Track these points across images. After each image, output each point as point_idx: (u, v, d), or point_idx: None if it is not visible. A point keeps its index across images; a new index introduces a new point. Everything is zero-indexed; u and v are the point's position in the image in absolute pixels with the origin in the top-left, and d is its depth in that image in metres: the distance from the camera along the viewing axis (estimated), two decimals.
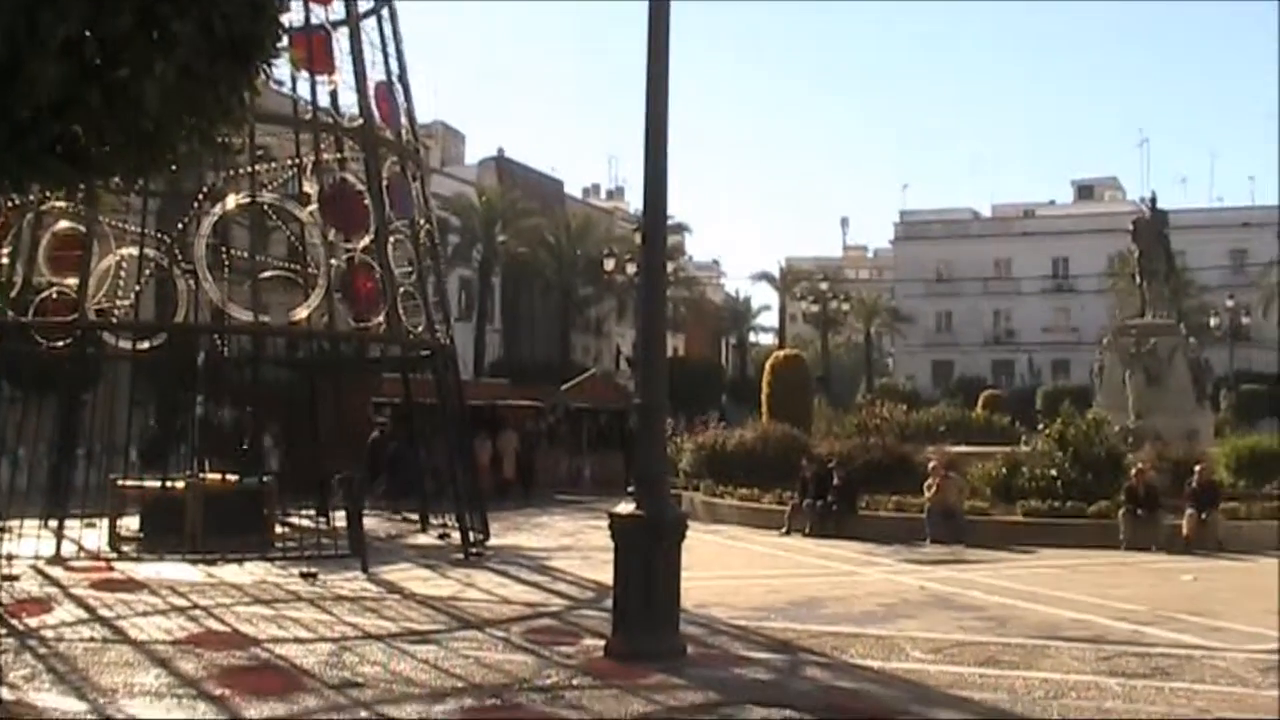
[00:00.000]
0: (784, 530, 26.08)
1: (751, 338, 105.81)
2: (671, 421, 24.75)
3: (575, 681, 10.92)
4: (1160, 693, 10.64)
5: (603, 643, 12.22)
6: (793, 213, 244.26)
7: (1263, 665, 12.01)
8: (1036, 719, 9.60)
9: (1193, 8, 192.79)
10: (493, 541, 22.80)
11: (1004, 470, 27.33)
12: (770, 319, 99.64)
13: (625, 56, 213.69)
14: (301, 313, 21.31)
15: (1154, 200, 43.40)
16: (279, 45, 7.26)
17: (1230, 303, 73.66)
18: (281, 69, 20.53)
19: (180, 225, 22.71)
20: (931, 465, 26.19)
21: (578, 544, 23.58)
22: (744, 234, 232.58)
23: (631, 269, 47.65)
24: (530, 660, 12.03)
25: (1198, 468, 25.11)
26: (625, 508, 12.16)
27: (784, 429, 33.20)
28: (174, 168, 7.96)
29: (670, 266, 16.20)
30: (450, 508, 23.15)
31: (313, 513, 24.05)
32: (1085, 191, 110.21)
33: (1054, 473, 26.53)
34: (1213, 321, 71.14)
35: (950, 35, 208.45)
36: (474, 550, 21.64)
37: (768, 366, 41.75)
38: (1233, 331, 72.91)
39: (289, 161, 22.13)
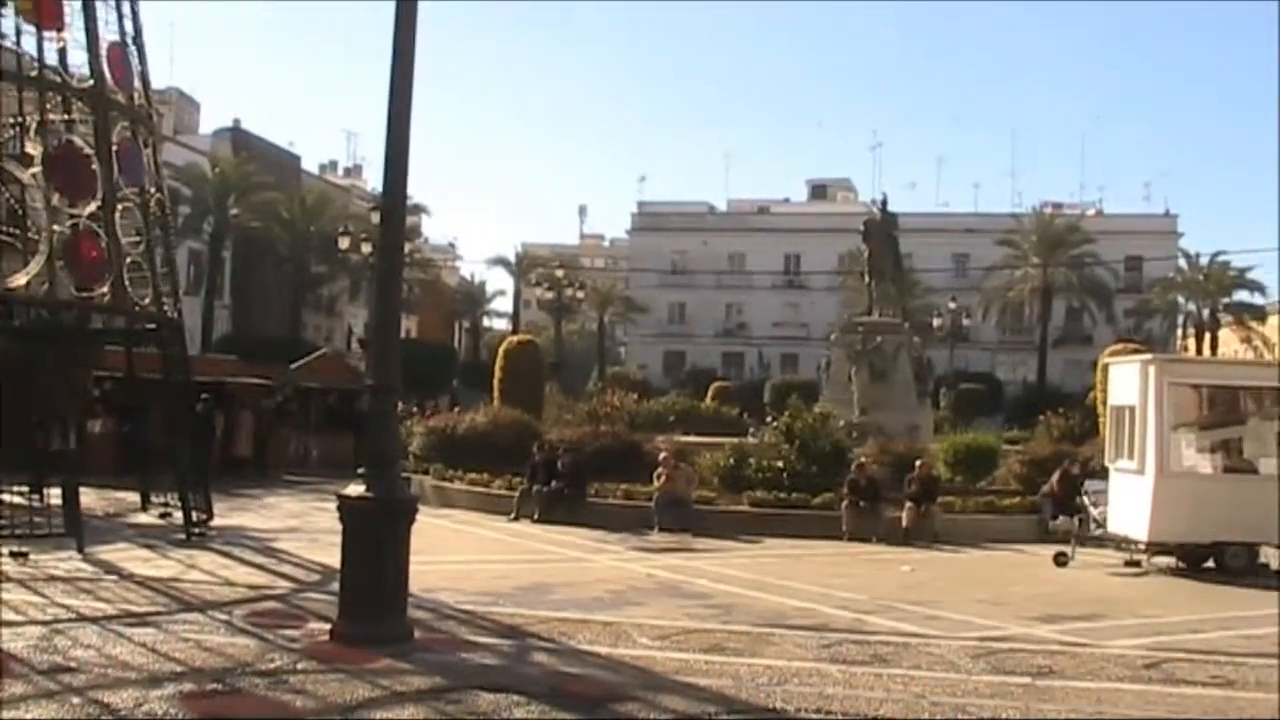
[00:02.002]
0: (513, 516, 26.01)
1: (486, 322, 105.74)
2: (403, 404, 24.39)
3: (300, 666, 10.68)
4: (879, 679, 10.92)
5: (328, 626, 11.99)
6: (531, 199, 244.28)
7: (974, 652, 12.44)
8: (760, 705, 9.72)
9: (926, 11, 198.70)
10: (217, 522, 22.18)
11: (732, 461, 27.76)
12: (505, 304, 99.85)
13: (366, 31, 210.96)
14: (20, 279, 20.35)
15: (885, 202, 44.61)
16: None
17: (952, 305, 76.20)
18: (6, 21, 19.70)
19: None
20: (661, 455, 26.47)
21: (304, 525, 23.15)
22: (481, 218, 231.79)
23: (367, 248, 46.95)
24: (253, 644, 11.72)
25: (918, 462, 25.93)
26: (355, 489, 11.95)
27: (516, 414, 33.11)
28: None
29: (406, 247, 15.92)
30: (173, 486, 22.46)
31: (25, 490, 23.03)
32: (819, 191, 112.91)
33: (781, 464, 27.08)
34: (935, 322, 73.46)
35: (691, 29, 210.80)
36: (197, 530, 21.04)
37: (501, 351, 41.59)
38: (954, 332, 75.44)
39: (11, 120, 21.13)
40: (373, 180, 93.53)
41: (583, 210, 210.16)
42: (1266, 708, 10.31)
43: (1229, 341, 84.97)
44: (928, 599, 16.60)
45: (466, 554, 20.39)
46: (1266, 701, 10.55)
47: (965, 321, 79.83)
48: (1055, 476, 24.48)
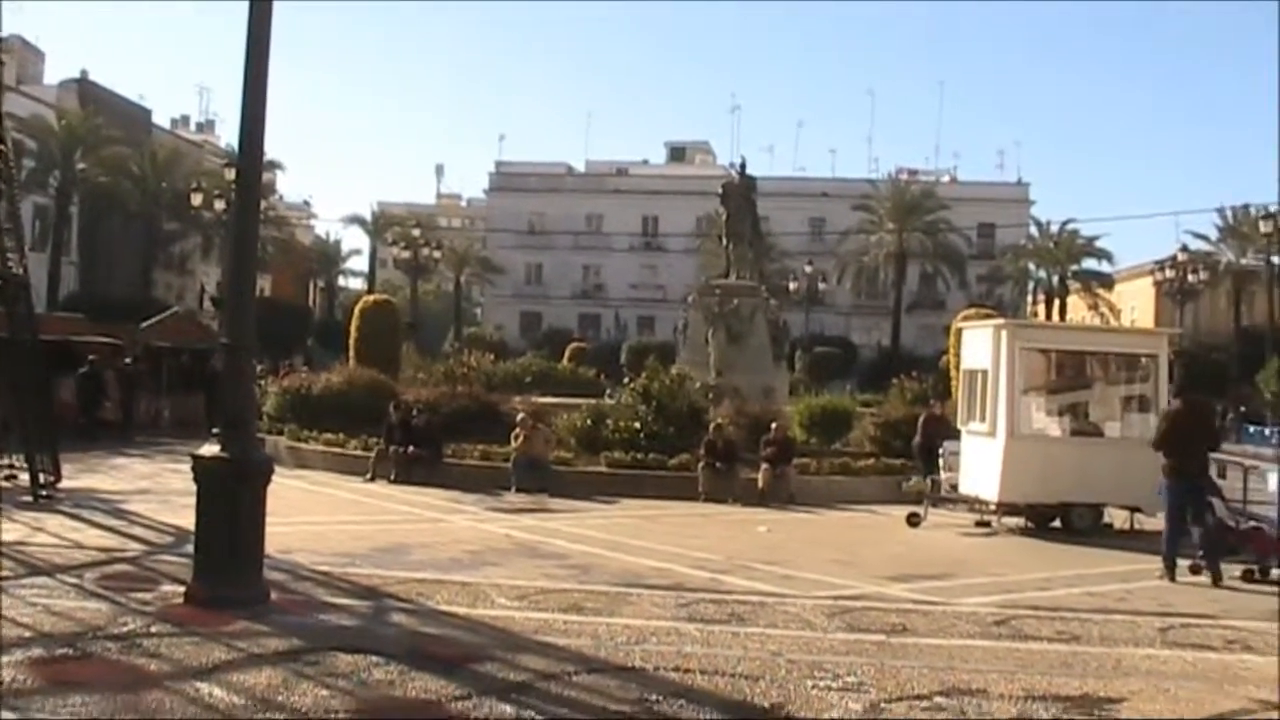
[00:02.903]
0: (369, 477, 25.81)
1: (341, 282, 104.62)
2: (257, 363, 24.02)
3: (153, 629, 10.49)
4: (736, 637, 11.02)
5: (182, 589, 11.79)
6: (388, 158, 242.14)
7: (829, 611, 12.59)
8: (619, 664, 9.76)
9: None
10: (65, 484, 21.65)
11: (589, 422, 27.83)
12: (361, 263, 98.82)
13: None
14: None
15: (743, 166, 44.69)
16: None
17: (808, 268, 76.97)
18: None
19: None
20: (518, 415, 26.45)
21: (156, 487, 22.73)
22: (337, 176, 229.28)
23: (220, 205, 46.23)
24: (105, 607, 11.48)
25: (773, 425, 26.16)
26: (209, 449, 11.75)
27: (371, 374, 32.86)
28: None
29: (261, 204, 15.60)
30: (18, 447, 21.89)
31: None
32: (678, 153, 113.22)
33: (637, 425, 27.20)
34: (792, 285, 74.15)
35: None
36: (44, 493, 20.55)
37: (356, 311, 41.20)
38: (809, 296, 76.19)
39: None
40: (226, 136, 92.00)
41: (440, 170, 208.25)
42: (1110, 661, 10.58)
43: (1077, 308, 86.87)
44: (783, 559, 16.78)
45: (322, 515, 20.17)
46: (1109, 655, 10.83)
47: (821, 285, 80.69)
48: (921, 420, 25.03)
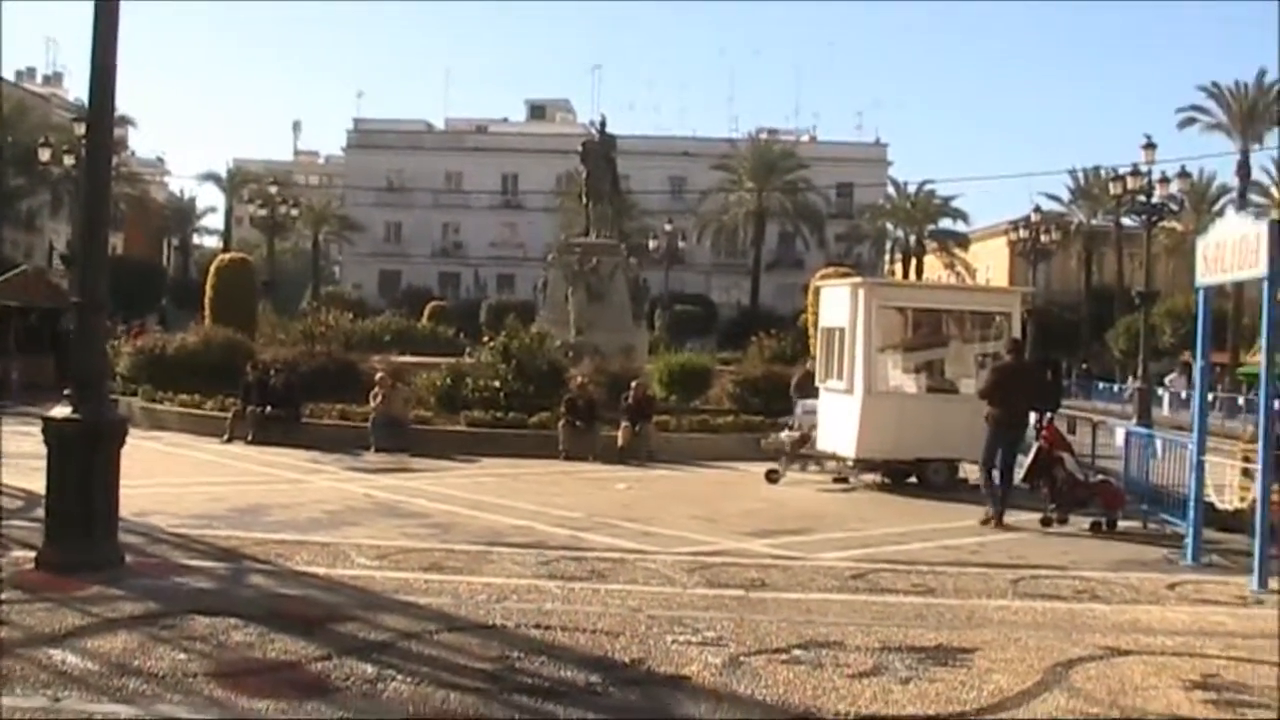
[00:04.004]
0: (226, 437, 25.47)
1: (196, 240, 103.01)
2: (110, 323, 23.57)
3: (3, 596, 10.26)
4: (597, 594, 11.06)
5: (34, 554, 11.55)
6: (244, 114, 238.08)
7: (688, 566, 12.69)
8: (480, 621, 9.76)
9: None
10: None
11: (449, 381, 27.73)
12: (216, 221, 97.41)
13: None
14: None
15: (603, 124, 44.71)
16: None
17: (668, 227, 77.29)
18: None
19: None
20: (377, 375, 26.28)
21: (5, 450, 22.19)
22: (191, 133, 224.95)
23: (70, 161, 45.09)
24: None
25: (634, 382, 26.26)
26: (60, 411, 11.50)
27: (227, 334, 32.42)
28: None
29: (113, 161, 15.30)
30: None
31: None
32: (538, 111, 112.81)
33: (497, 384, 27.19)
34: (652, 244, 74.41)
35: None
36: None
37: (212, 270, 40.64)
38: (669, 254, 76.53)
39: None
40: (75, 90, 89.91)
41: (297, 126, 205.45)
42: (963, 612, 10.81)
43: (934, 267, 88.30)
44: (643, 516, 16.90)
45: (179, 477, 19.87)
46: (963, 606, 11.06)
47: (681, 244, 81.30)
48: (796, 379, 25.36)
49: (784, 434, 22.71)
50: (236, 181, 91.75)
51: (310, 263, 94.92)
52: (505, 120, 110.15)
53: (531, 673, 8.36)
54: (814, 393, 23.38)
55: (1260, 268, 12.77)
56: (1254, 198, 69.54)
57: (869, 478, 21.85)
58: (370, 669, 8.21)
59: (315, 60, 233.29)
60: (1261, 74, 67.37)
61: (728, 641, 9.33)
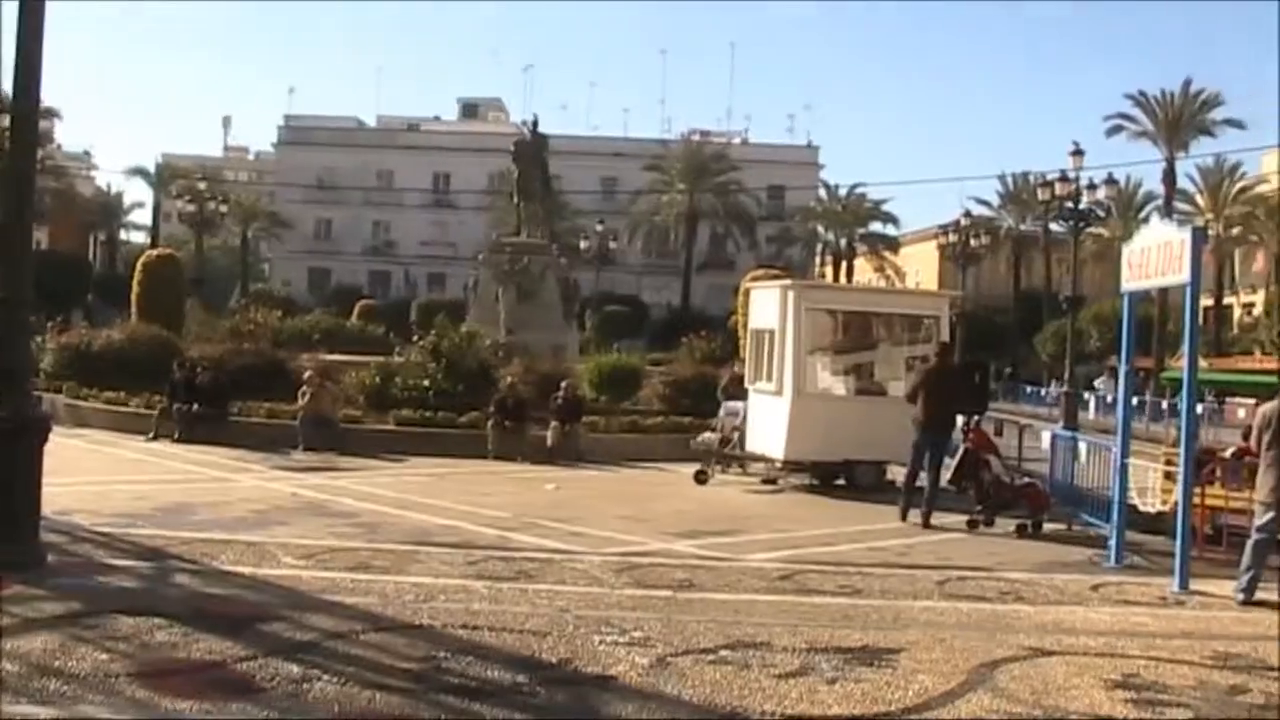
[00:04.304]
0: (152, 435, 25.21)
1: (123, 235, 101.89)
2: (34, 318, 23.20)
3: None
4: (524, 594, 11.05)
5: None
6: (173, 109, 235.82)
7: (617, 567, 12.70)
8: (407, 621, 9.72)
9: None
10: None
11: (378, 379, 27.64)
12: (144, 216, 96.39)
13: None
14: None
15: (535, 123, 44.79)
16: None
17: (600, 227, 77.34)
18: None
19: None
20: (306, 373, 26.14)
21: None
22: (120, 127, 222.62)
23: None
24: None
25: (563, 382, 26.25)
26: None
27: (154, 331, 32.15)
28: None
29: (38, 153, 15.03)
30: None
31: None
32: (470, 110, 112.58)
33: (427, 383, 27.10)
34: (583, 244, 74.42)
35: None
36: None
37: (139, 265, 40.27)
38: (601, 255, 76.55)
39: None
40: None
41: (227, 121, 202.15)
42: (890, 613, 10.87)
43: (864, 270, 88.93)
44: (572, 516, 16.90)
45: (103, 475, 19.66)
46: (889, 607, 11.13)
47: (612, 244, 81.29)
48: (723, 381, 25.55)
49: (706, 435, 22.79)
50: (165, 177, 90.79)
51: (239, 259, 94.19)
52: (438, 119, 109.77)
53: (458, 673, 8.34)
54: (741, 394, 23.46)
55: (1183, 274, 12.96)
56: (1180, 205, 70.46)
57: (797, 479, 21.93)
58: (296, 669, 8.16)
59: (246, 55, 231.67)
60: (1187, 83, 68.27)
61: (655, 642, 9.34)
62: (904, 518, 17.43)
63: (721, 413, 23.46)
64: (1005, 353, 75.09)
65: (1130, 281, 14.65)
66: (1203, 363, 54.36)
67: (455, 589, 11.19)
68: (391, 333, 44.29)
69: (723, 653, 9.10)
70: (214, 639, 8.85)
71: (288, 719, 7.25)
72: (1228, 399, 41.63)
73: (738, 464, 22.46)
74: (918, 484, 17.69)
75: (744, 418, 22.65)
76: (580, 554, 13.65)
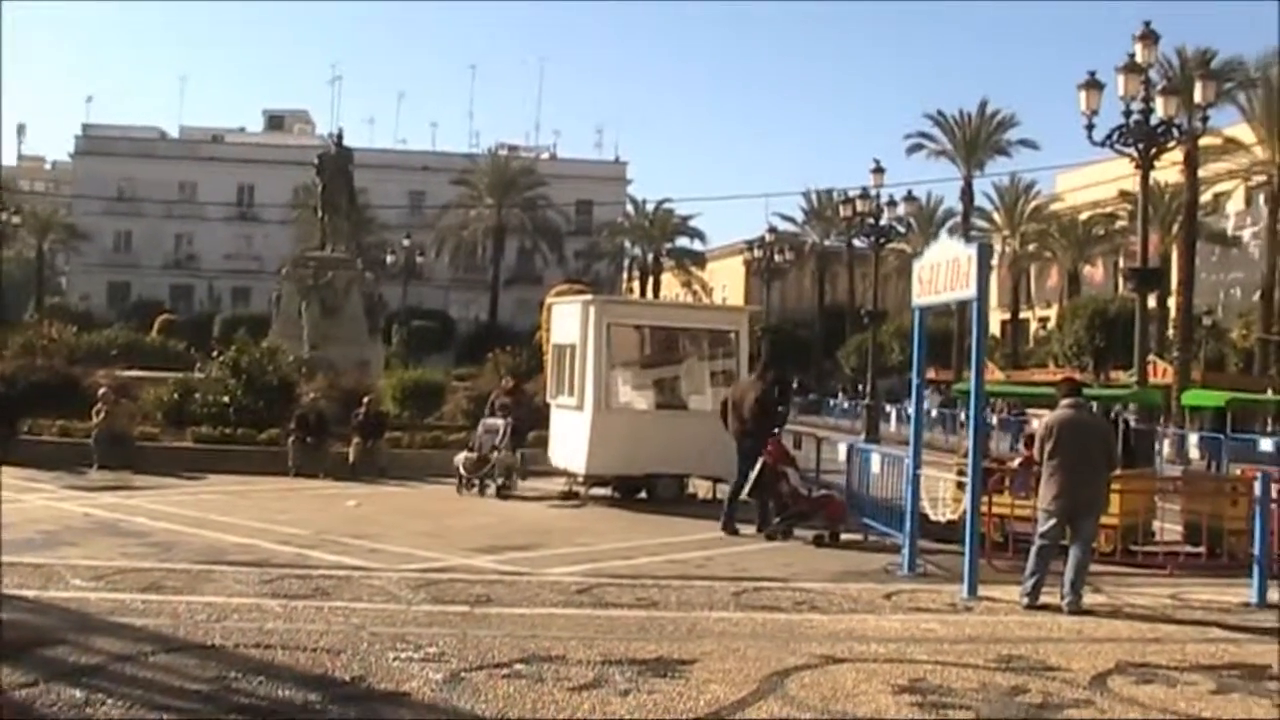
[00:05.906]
0: None
1: None
2: None
3: None
4: (320, 612, 10.95)
5: None
6: None
7: (414, 583, 12.66)
8: (199, 642, 9.58)
9: None
10: None
11: (177, 396, 27.24)
12: None
13: None
14: None
15: (340, 136, 44.53)
16: None
17: (406, 242, 76.98)
18: None
19: None
20: (101, 390, 25.59)
21: None
22: None
23: None
24: None
25: (366, 398, 26.13)
26: None
27: None
28: None
29: None
30: None
31: None
32: (276, 122, 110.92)
33: (227, 399, 26.76)
34: (389, 258, 73.96)
35: None
36: None
37: None
38: (407, 269, 76.12)
39: None
40: None
41: (21, 129, 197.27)
42: (685, 624, 11.01)
43: (671, 285, 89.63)
44: (371, 532, 16.83)
45: None
46: (685, 619, 11.26)
47: (419, 259, 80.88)
48: (492, 396, 25.64)
49: (461, 456, 22.76)
50: None
51: (34, 273, 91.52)
52: (242, 130, 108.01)
53: (248, 692, 8.24)
54: (512, 410, 23.56)
55: (970, 289, 13.35)
56: (977, 221, 72.47)
57: (599, 492, 22.07)
58: (79, 694, 7.98)
59: (42, 62, 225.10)
60: (983, 105, 70.24)
61: (449, 657, 9.33)
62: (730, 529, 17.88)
63: (480, 430, 23.37)
64: (809, 367, 76.36)
65: (921, 297, 15.03)
66: (1001, 375, 56.19)
67: (249, 608, 11.06)
68: (193, 348, 43.53)
69: (517, 667, 9.13)
70: None
71: None
72: (1028, 410, 42.84)
73: (499, 480, 22.32)
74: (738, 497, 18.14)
75: (503, 435, 22.63)
76: (378, 570, 13.60)
